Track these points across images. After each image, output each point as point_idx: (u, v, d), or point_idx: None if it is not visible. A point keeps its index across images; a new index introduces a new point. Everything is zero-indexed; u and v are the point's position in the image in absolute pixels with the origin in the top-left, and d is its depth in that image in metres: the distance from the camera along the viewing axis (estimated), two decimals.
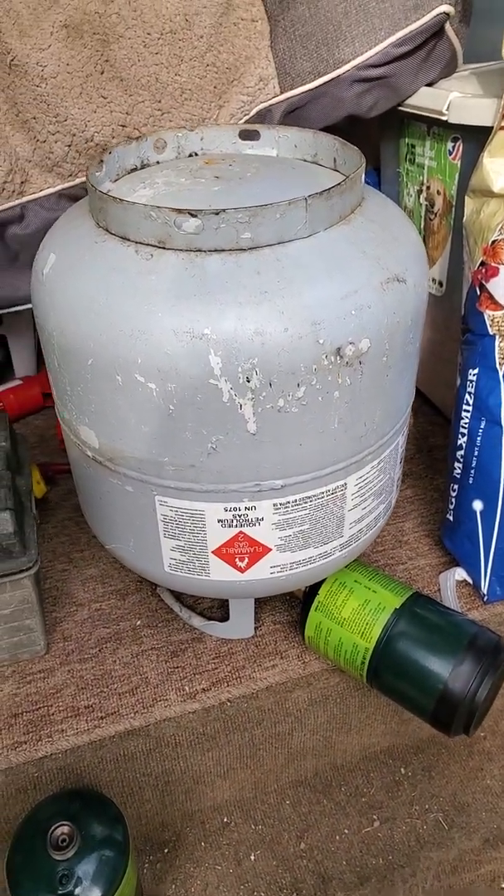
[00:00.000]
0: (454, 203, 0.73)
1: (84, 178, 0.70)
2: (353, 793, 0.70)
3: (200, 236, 0.40)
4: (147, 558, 0.52)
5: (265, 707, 0.64)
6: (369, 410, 0.46)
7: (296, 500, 0.47)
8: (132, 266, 0.42)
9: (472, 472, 0.65)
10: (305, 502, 0.48)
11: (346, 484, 0.48)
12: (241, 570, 0.51)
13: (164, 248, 0.41)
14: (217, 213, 0.39)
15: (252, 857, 0.66)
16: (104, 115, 0.66)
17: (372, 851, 0.67)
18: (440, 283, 0.79)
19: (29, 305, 0.73)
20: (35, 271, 0.47)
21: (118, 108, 0.66)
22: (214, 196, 0.45)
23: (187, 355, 0.40)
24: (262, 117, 0.68)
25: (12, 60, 0.64)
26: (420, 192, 0.78)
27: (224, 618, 0.65)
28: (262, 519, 0.48)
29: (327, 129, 0.70)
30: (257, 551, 0.49)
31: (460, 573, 0.68)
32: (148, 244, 0.42)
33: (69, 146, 0.68)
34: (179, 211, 0.40)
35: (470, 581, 0.68)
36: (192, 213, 0.39)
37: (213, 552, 0.49)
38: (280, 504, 0.47)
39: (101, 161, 0.49)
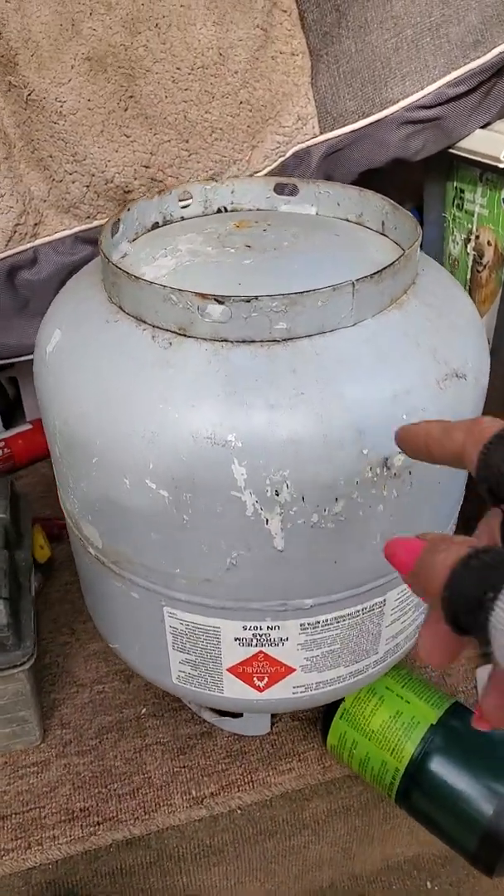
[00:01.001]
0: None
1: (102, 221, 0.65)
2: None
3: (228, 325, 0.34)
4: (153, 667, 0.46)
5: (279, 817, 0.57)
6: (417, 521, 0.39)
7: (327, 620, 0.41)
8: (147, 354, 0.36)
9: None
10: (338, 621, 0.41)
11: (385, 600, 0.42)
12: (260, 690, 0.44)
13: (184, 335, 0.35)
14: (248, 301, 0.33)
15: None
16: (126, 154, 0.61)
17: None
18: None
19: None
20: (38, 346, 0.41)
21: (142, 148, 0.61)
22: (245, 272, 0.39)
23: (207, 464, 0.34)
24: (300, 159, 0.62)
25: (29, 95, 0.58)
26: (468, 240, 0.71)
27: (238, 712, 0.58)
28: (287, 639, 0.41)
29: (368, 170, 0.64)
30: (279, 671, 0.43)
31: None
32: (167, 329, 0.36)
33: (87, 187, 0.62)
34: (204, 295, 0.33)
35: None
36: (219, 300, 0.33)
37: (227, 670, 0.43)
38: (308, 624, 0.41)
39: (118, 221, 0.43)
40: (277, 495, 0.34)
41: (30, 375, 0.84)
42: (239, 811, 0.56)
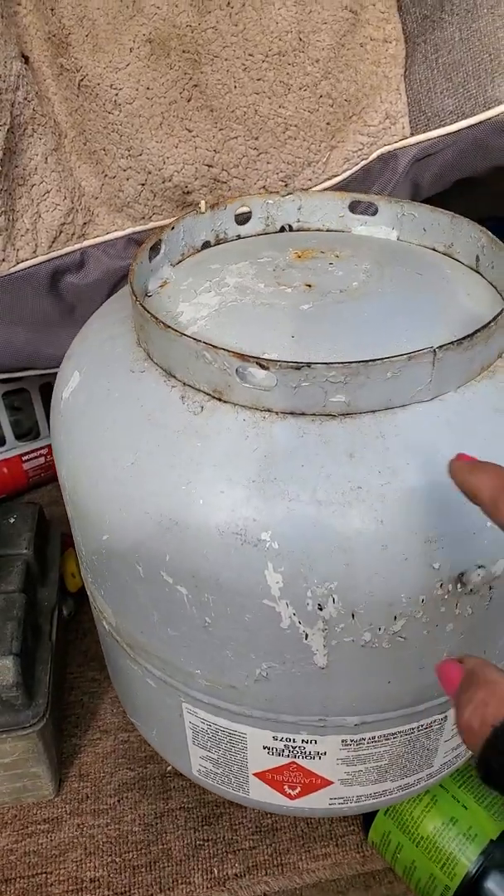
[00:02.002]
0: None
1: (159, 223, 0.58)
2: None
3: (272, 393, 0.27)
4: (172, 754, 0.41)
5: None
6: (492, 638, 0.32)
7: (374, 738, 0.34)
8: (174, 419, 0.29)
9: None
10: (387, 739, 0.34)
11: (445, 717, 0.35)
12: (291, 798, 0.38)
13: (220, 399, 0.29)
14: (299, 368, 0.26)
15: None
16: (187, 151, 0.54)
17: None
18: None
19: None
20: (56, 388, 0.36)
21: (205, 145, 0.54)
22: (301, 322, 0.32)
23: (235, 565, 0.27)
24: (385, 163, 0.54)
25: (81, 80, 0.52)
26: None
27: None
28: (325, 753, 0.35)
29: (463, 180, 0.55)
30: (314, 783, 0.37)
31: None
32: (199, 390, 0.29)
33: (143, 185, 0.56)
34: (244, 356, 0.27)
35: None
36: (263, 364, 0.26)
37: (254, 774, 0.37)
38: (351, 741, 0.34)
39: (159, 242, 0.36)
40: (321, 609, 0.28)
41: None
42: None
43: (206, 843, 0.51)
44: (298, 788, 0.37)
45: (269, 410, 0.28)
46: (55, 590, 0.53)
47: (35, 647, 0.47)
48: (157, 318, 0.29)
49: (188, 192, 0.56)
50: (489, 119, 0.49)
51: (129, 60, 0.52)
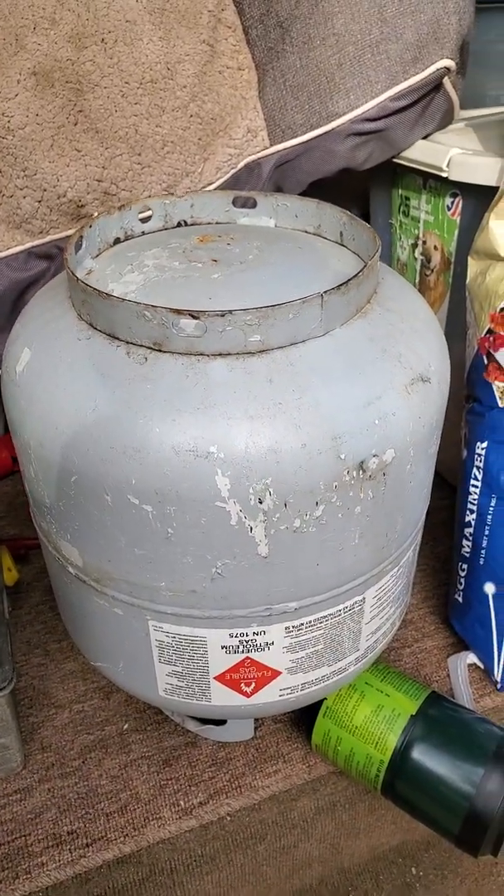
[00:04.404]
0: (453, 259, 0.69)
1: (56, 236, 0.64)
2: None
3: (203, 339, 0.35)
4: (139, 682, 0.46)
5: (268, 819, 0.58)
6: (391, 521, 0.41)
7: (310, 622, 0.42)
8: (123, 371, 0.36)
9: (483, 552, 0.60)
10: (321, 622, 0.42)
11: (364, 598, 0.43)
12: (247, 695, 0.45)
13: (160, 350, 0.36)
14: (223, 315, 0.34)
15: None
16: (78, 168, 0.61)
17: None
18: None
19: None
20: (6, 368, 0.41)
21: (94, 162, 0.61)
22: (215, 287, 0.40)
23: (190, 476, 0.34)
24: (251, 171, 0.63)
25: None
26: (415, 245, 0.74)
27: (221, 720, 0.59)
28: (273, 643, 0.42)
29: (317, 180, 0.65)
30: (265, 676, 0.44)
31: (471, 657, 0.64)
32: (141, 345, 0.36)
33: (39, 202, 0.62)
34: (179, 311, 0.34)
35: (482, 666, 0.63)
36: (194, 315, 0.34)
37: (214, 678, 0.44)
38: (293, 627, 0.41)
39: (80, 238, 0.43)
40: (261, 503, 0.35)
41: None
42: (228, 818, 0.56)
43: (169, 782, 0.57)
44: (253, 684, 0.44)
45: (201, 354, 0.36)
46: (0, 574, 0.57)
47: None
48: (99, 291, 0.36)
49: (82, 206, 0.63)
50: (332, 129, 0.60)
51: (17, 91, 0.58)
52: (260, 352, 0.36)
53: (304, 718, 0.59)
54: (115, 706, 0.62)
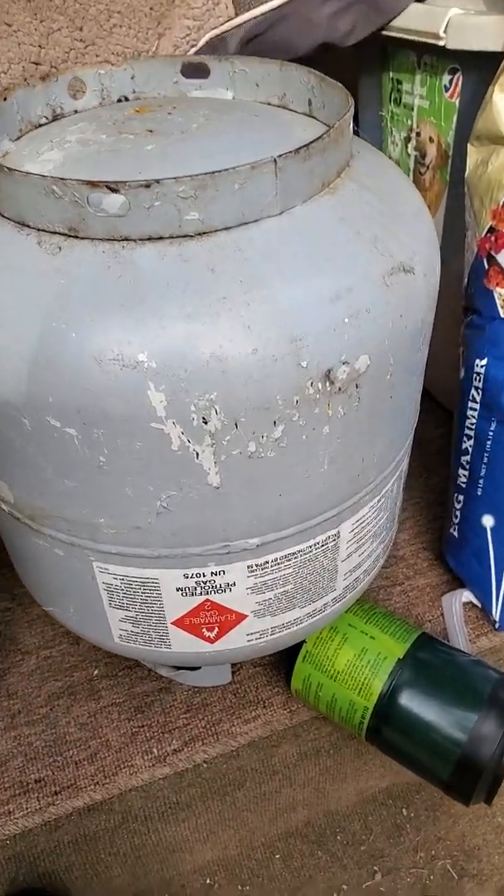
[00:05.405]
0: (451, 152, 0.60)
1: None
2: (350, 841, 0.62)
3: (127, 219, 0.28)
4: (92, 628, 0.42)
5: (248, 766, 0.54)
6: (368, 443, 0.35)
7: (276, 560, 0.36)
8: (33, 263, 0.29)
9: (481, 482, 0.54)
10: (288, 560, 0.37)
11: (338, 533, 0.38)
12: (210, 641, 0.40)
13: (76, 236, 0.29)
14: (148, 186, 0.27)
15: None
16: (11, 48, 0.52)
17: None
18: None
19: None
20: None
21: (28, 40, 0.52)
22: (147, 160, 0.33)
23: (117, 392, 0.28)
24: (214, 48, 0.54)
25: None
26: (408, 139, 0.65)
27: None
28: (234, 584, 0.37)
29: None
30: (229, 620, 0.39)
31: (467, 595, 0.59)
32: (54, 232, 0.30)
33: None
34: (94, 184, 0.27)
35: (478, 604, 0.59)
36: (112, 187, 0.27)
37: (172, 623, 0.39)
38: (256, 566, 0.36)
39: None
40: (206, 423, 0.29)
41: None
42: (205, 765, 0.53)
43: (141, 729, 0.53)
44: (216, 629, 0.39)
45: (126, 239, 0.29)
46: None
47: None
48: (2, 165, 0.29)
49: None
50: None
51: None
52: (200, 234, 0.29)
53: (284, 662, 0.55)
54: (84, 651, 0.58)
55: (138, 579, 0.36)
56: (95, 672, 0.57)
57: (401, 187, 0.36)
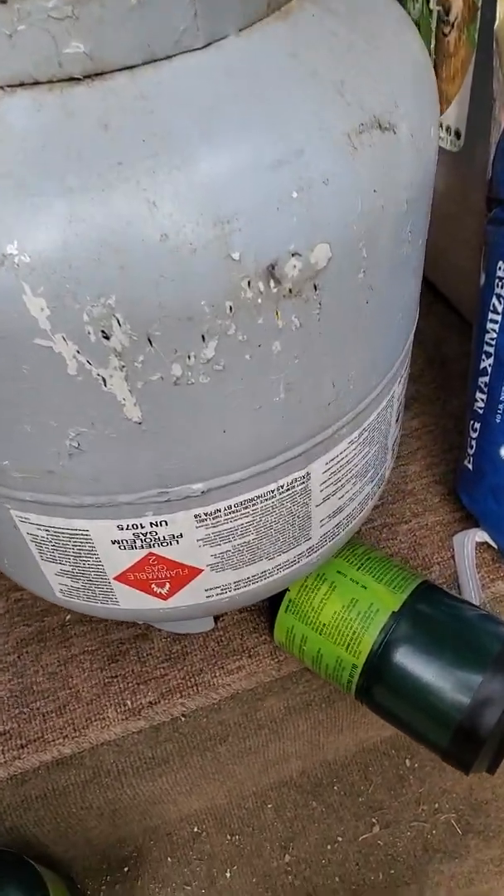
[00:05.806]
0: (480, 5, 0.49)
1: None
2: (347, 792, 0.58)
3: None
4: (31, 581, 0.36)
5: (230, 721, 0.50)
6: (339, 363, 0.27)
7: (229, 507, 0.30)
8: None
9: (501, 408, 0.46)
10: (245, 508, 0.30)
11: (308, 474, 0.31)
12: (164, 598, 0.34)
13: None
14: (4, 1, 0.19)
15: (228, 874, 0.56)
16: None
17: (370, 864, 0.55)
18: (456, 134, 0.56)
19: None
20: None
21: None
22: None
23: None
24: None
25: None
26: None
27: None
28: (181, 535, 0.31)
29: None
30: (182, 574, 0.33)
31: (481, 535, 0.52)
32: None
33: None
34: None
35: (494, 545, 0.52)
36: None
37: (115, 579, 0.33)
38: (205, 515, 0.30)
39: None
40: (107, 339, 0.22)
41: None
42: (183, 718, 0.49)
43: (114, 680, 0.49)
44: (167, 584, 0.33)
45: None
46: None
47: None
48: None
49: None
50: None
51: None
52: (90, 77, 0.21)
53: (267, 610, 0.49)
54: None
55: (65, 530, 0.30)
56: (68, 617, 0.52)
57: (384, 11, 0.26)
